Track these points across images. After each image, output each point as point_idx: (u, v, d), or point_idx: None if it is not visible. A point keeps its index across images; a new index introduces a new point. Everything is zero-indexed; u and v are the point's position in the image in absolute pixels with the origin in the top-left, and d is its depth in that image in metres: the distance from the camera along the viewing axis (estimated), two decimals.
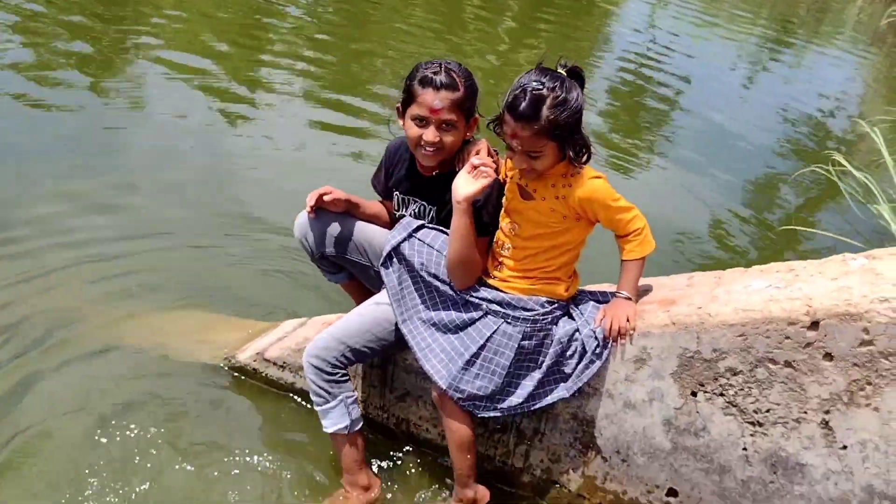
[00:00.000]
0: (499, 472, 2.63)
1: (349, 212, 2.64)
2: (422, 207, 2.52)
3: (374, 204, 2.71)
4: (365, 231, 2.64)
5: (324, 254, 2.66)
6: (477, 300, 2.32)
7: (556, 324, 2.31)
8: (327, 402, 2.45)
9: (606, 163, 5.47)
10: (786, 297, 2.07)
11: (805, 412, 2.09)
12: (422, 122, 2.34)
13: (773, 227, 5.11)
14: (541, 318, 2.28)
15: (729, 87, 8.54)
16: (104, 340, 3.02)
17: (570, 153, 2.12)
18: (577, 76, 2.11)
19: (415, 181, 2.53)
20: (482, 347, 2.28)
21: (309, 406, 2.78)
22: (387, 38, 7.68)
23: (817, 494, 2.15)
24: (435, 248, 2.38)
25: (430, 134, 2.34)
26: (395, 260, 2.40)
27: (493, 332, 2.28)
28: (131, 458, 2.51)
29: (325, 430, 2.48)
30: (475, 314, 2.32)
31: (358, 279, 2.79)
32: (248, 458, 2.59)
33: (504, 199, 2.33)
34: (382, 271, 2.42)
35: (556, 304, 2.31)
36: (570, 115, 2.07)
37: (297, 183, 4.40)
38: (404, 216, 2.54)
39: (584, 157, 2.18)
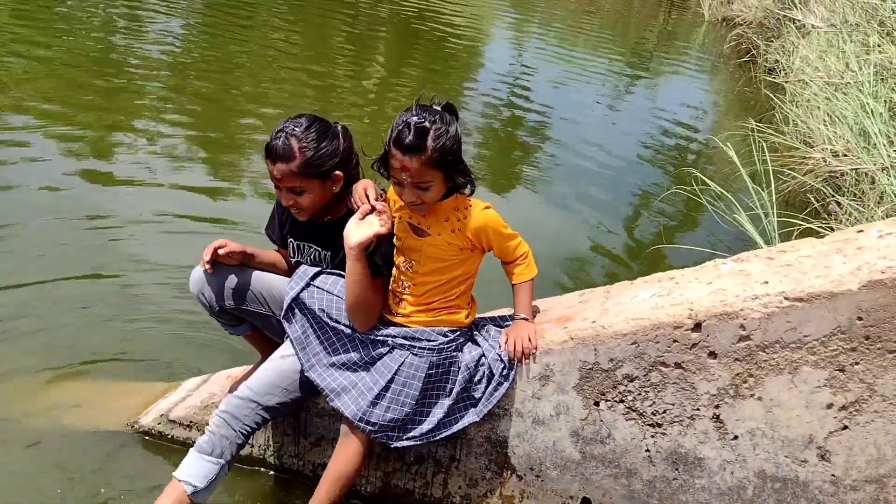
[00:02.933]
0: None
1: (245, 263, 2.64)
2: (317, 253, 2.56)
3: (270, 253, 2.72)
4: (263, 280, 2.64)
5: (223, 307, 2.64)
6: (382, 337, 2.38)
7: (460, 350, 2.40)
8: (209, 454, 2.39)
9: (482, 196, 5.62)
10: (669, 304, 2.24)
11: (697, 409, 2.25)
12: (275, 185, 2.41)
13: (646, 247, 5.39)
14: (445, 346, 2.35)
15: (594, 116, 8.97)
16: None
17: (457, 181, 2.22)
18: (451, 110, 2.23)
19: (308, 228, 2.56)
20: (391, 381, 2.33)
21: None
22: (256, 82, 7.66)
23: (716, 485, 2.31)
24: (334, 294, 2.42)
25: (283, 199, 2.42)
26: (296, 311, 2.43)
27: (401, 365, 2.34)
28: None
29: (174, 473, 2.38)
30: (382, 350, 2.38)
31: (260, 330, 2.79)
32: None
33: (395, 239, 2.39)
34: (285, 324, 2.43)
35: (458, 332, 2.39)
36: (452, 144, 2.16)
37: (181, 238, 4.36)
38: (301, 263, 2.57)
39: (469, 189, 2.30)
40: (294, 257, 2.63)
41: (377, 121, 6.76)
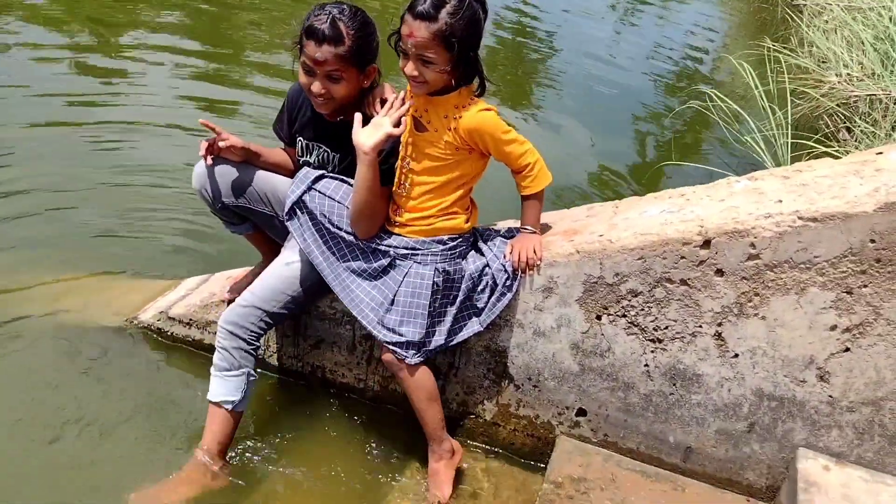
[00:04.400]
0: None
1: (250, 161, 2.58)
2: (326, 154, 2.50)
3: (276, 152, 2.65)
4: (267, 180, 2.58)
5: (224, 204, 2.59)
6: (384, 247, 2.35)
7: (463, 258, 2.37)
8: (230, 369, 2.40)
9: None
10: (679, 220, 2.20)
11: (700, 326, 2.25)
12: (309, 71, 2.30)
13: (653, 164, 5.33)
14: (448, 252, 2.33)
15: (603, 33, 8.72)
16: None
17: (466, 68, 2.12)
18: (482, 2, 2.11)
19: (319, 127, 2.48)
20: (397, 293, 2.31)
21: None
22: None
23: (713, 401, 2.33)
24: (336, 200, 2.36)
25: (316, 85, 2.30)
26: (298, 212, 2.38)
27: (405, 276, 2.31)
28: (43, 437, 2.43)
29: (210, 396, 2.41)
30: (384, 261, 2.34)
31: (262, 230, 2.75)
32: (163, 422, 2.56)
33: (403, 135, 2.30)
34: (289, 225, 2.39)
35: (459, 238, 2.35)
36: (468, 27, 2.06)
37: (186, 136, 4.28)
38: (308, 162, 2.52)
39: (479, 89, 2.21)
40: (301, 157, 2.56)
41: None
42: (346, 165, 2.46)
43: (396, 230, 2.35)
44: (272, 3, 6.96)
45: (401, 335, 2.30)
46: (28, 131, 4.11)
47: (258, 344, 2.46)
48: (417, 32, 2.04)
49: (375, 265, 2.35)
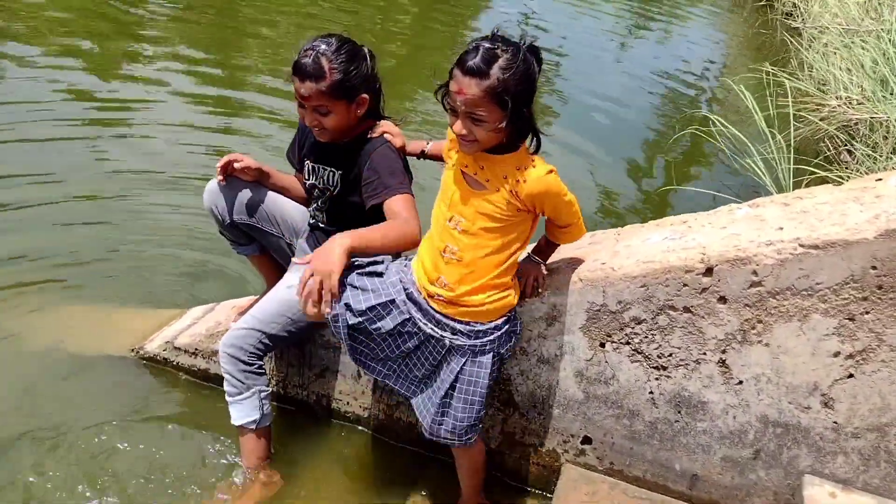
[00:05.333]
0: (417, 438, 2.69)
1: (261, 182, 2.63)
2: (330, 174, 2.49)
3: (286, 176, 2.71)
4: (277, 202, 2.64)
5: (234, 222, 2.62)
6: (430, 330, 2.19)
7: (517, 337, 2.31)
8: (240, 393, 2.44)
9: None
10: (681, 247, 2.21)
11: (704, 353, 2.25)
12: (300, 104, 2.35)
13: (655, 190, 5.34)
14: (506, 336, 2.24)
15: (604, 59, 8.78)
16: None
17: (518, 126, 1.99)
18: (535, 53, 1.97)
19: (323, 149, 2.50)
20: (455, 390, 2.21)
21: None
22: (273, 12, 7.50)
23: (718, 428, 2.33)
24: (369, 290, 2.18)
25: (307, 118, 2.35)
26: (354, 332, 2.20)
27: (460, 372, 2.19)
28: (41, 468, 2.44)
29: (233, 421, 2.47)
30: (439, 348, 2.20)
31: (268, 252, 2.77)
32: (164, 451, 2.57)
33: (442, 192, 2.18)
34: (335, 330, 2.18)
35: (518, 320, 2.27)
36: (521, 83, 1.92)
37: (196, 166, 4.33)
38: (314, 185, 2.54)
39: (534, 146, 2.08)
40: (308, 179, 2.58)
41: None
42: (350, 180, 2.46)
43: (442, 308, 2.16)
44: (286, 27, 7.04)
45: (460, 423, 2.24)
46: (32, 157, 4.15)
47: (260, 362, 2.47)
48: (468, 90, 1.89)
49: (431, 358, 2.24)
